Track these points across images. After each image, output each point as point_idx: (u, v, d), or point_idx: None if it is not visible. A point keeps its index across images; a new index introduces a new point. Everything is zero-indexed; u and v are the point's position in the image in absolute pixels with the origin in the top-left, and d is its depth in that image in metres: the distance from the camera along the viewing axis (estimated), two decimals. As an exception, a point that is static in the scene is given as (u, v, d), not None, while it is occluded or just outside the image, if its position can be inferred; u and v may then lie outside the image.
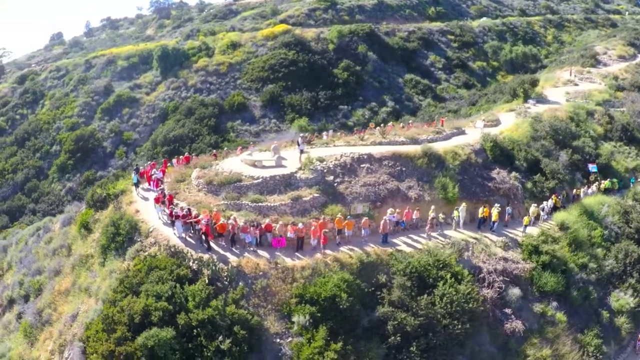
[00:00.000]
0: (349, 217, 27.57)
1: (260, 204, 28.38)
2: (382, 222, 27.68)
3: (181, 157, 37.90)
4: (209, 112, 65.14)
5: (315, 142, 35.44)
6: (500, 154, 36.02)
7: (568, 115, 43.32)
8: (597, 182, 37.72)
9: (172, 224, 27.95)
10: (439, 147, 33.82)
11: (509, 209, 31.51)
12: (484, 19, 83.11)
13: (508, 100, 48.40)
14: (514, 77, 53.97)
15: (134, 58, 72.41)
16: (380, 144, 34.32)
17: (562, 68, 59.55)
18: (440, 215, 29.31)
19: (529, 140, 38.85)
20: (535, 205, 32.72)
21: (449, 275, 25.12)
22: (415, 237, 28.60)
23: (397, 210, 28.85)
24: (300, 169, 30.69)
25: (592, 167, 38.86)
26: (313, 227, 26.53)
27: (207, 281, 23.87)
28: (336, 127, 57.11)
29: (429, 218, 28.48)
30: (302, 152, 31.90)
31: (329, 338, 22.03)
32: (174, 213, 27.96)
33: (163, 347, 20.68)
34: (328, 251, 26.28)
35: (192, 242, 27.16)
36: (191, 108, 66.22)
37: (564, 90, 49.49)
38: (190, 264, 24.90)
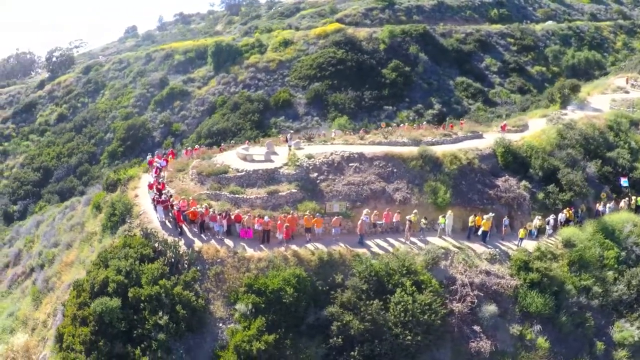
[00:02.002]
0: (317, 214, 27.01)
1: (237, 195, 28.70)
2: (359, 222, 26.85)
3: (189, 148, 39.07)
4: (253, 108, 66.47)
5: (315, 139, 35.05)
6: (512, 160, 33.44)
7: (607, 123, 39.16)
8: (627, 198, 33.76)
9: (155, 208, 29.25)
10: (440, 150, 32.02)
11: (506, 220, 29.06)
12: (549, 22, 77.39)
13: (546, 105, 44.74)
14: (557, 82, 49.80)
15: (190, 53, 75.79)
16: (379, 144, 33.21)
17: (617, 75, 53.91)
18: (423, 221, 27.72)
19: (553, 148, 35.62)
20: (540, 217, 29.98)
21: (408, 283, 23.76)
22: (392, 241, 27.38)
23: (376, 211, 27.75)
24: (285, 164, 30.52)
25: (623, 181, 34.87)
26: (279, 221, 26.35)
27: (165, 262, 24.91)
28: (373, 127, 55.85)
29: (407, 222, 27.06)
30: (290, 147, 31.77)
31: (264, 329, 21.98)
32: (155, 198, 29.29)
33: (109, 314, 22.24)
34: (293, 246, 26.04)
35: (170, 226, 28.31)
36: (237, 103, 67.94)
37: (611, 97, 44.81)
38: (156, 245, 25.95)
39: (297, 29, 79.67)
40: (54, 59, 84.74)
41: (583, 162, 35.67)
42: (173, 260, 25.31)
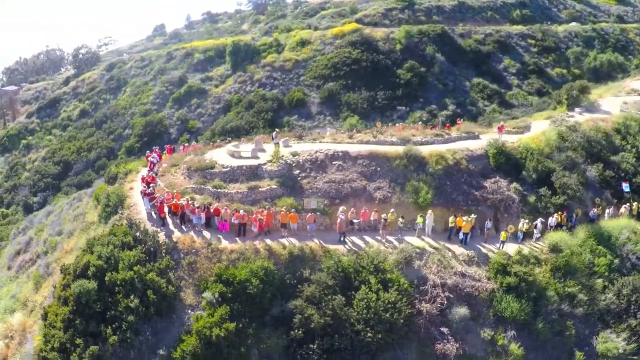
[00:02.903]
0: (293, 210, 27.15)
1: (219, 190, 29.30)
2: (338, 220, 26.84)
3: (185, 144, 39.94)
4: (267, 106, 67.00)
5: (306, 137, 35.19)
6: (505, 162, 32.61)
7: (614, 126, 37.61)
8: (628, 204, 32.39)
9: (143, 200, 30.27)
10: (427, 150, 31.57)
11: (488, 222, 28.38)
12: (573, 23, 74.65)
13: (554, 107, 43.35)
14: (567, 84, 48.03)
15: (210, 52, 77.02)
16: (367, 142, 33.03)
17: (635, 77, 51.52)
18: (400, 220, 27.43)
19: (552, 151, 34.54)
20: (527, 221, 29.15)
21: (374, 280, 23.59)
22: (368, 239, 27.24)
23: (353, 209, 27.66)
24: (269, 161, 30.83)
25: (625, 186, 33.45)
26: (254, 215, 26.69)
27: (143, 250, 26.05)
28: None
29: (382, 220, 26.85)
30: (277, 145, 32.08)
31: (227, 317, 22.53)
32: (142, 190, 30.33)
33: (86, 295, 23.78)
34: (267, 240, 26.33)
35: (155, 217, 29.21)
36: (252, 101, 68.64)
37: (623, 100, 42.97)
38: (137, 234, 27.02)
39: (317, 28, 79.89)
40: (80, 56, 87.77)
41: (584, 165, 34.46)
42: (152, 249, 26.42)
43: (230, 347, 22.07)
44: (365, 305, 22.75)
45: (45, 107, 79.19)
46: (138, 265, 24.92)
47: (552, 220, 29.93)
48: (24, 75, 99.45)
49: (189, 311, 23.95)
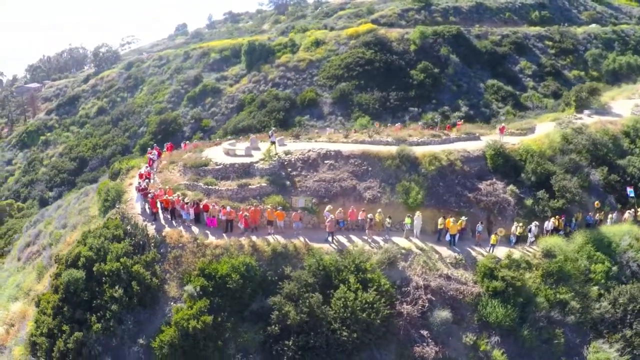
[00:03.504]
0: (279, 208, 27.16)
1: (210, 186, 29.56)
2: (328, 220, 26.64)
3: (187, 142, 40.50)
4: (279, 106, 67.23)
5: (302, 136, 35.20)
6: (503, 163, 31.91)
7: (623, 129, 36.39)
8: (632, 209, 31.27)
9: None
10: (421, 150, 31.15)
11: (480, 225, 27.78)
12: (593, 25, 72.41)
13: (562, 109, 42.22)
14: (576, 86, 46.67)
15: (226, 51, 77.79)
16: (362, 142, 32.80)
17: None
18: (387, 220, 27.13)
19: (555, 153, 33.66)
20: (520, 224, 28.44)
21: (353, 280, 23.38)
22: (355, 238, 27.03)
23: (340, 209, 27.48)
24: (262, 159, 30.94)
25: (629, 191, 32.32)
26: (240, 212, 26.81)
27: (132, 242, 26.63)
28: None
29: (368, 220, 26.61)
30: (273, 143, 32.14)
31: (205, 310, 22.75)
32: (136, 186, 30.88)
33: (74, 284, 24.64)
34: (254, 237, 26.48)
35: (148, 212, 29.68)
36: (265, 101, 68.97)
37: (635, 102, 41.50)
38: (128, 228, 27.64)
39: (332, 29, 79.83)
40: (100, 54, 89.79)
41: (587, 168, 33.49)
42: (141, 242, 26.98)
43: (206, 340, 22.29)
44: (342, 304, 22.58)
45: (64, 105, 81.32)
46: (125, 257, 25.45)
47: (549, 224, 29.18)
48: (46, 72, 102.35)
49: (172, 303, 24.30)
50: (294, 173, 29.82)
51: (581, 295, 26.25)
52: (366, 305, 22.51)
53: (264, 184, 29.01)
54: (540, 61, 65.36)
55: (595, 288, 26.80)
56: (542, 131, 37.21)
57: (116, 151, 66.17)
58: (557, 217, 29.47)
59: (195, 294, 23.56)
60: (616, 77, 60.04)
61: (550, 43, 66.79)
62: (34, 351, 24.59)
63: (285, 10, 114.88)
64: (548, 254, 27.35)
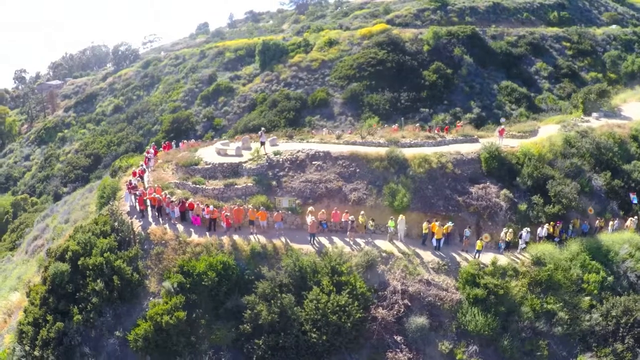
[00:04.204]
0: (262, 208, 27.06)
1: (197, 185, 29.70)
2: (309, 221, 26.42)
3: (185, 141, 40.93)
4: (290, 105, 67.22)
5: (296, 137, 35.03)
6: (498, 167, 31.03)
7: (631, 133, 34.93)
8: (636, 217, 29.97)
9: (129, 193, 31.27)
10: (412, 152, 30.54)
11: (467, 230, 26.99)
12: (613, 26, 69.82)
13: (570, 111, 40.81)
14: (585, 87, 45.00)
15: (241, 51, 78.18)
16: (354, 143, 32.38)
17: None
18: (370, 222, 26.69)
19: (556, 157, 32.58)
20: (510, 230, 27.59)
21: (326, 282, 23.09)
22: (337, 240, 26.70)
23: (323, 210, 27.19)
24: (251, 159, 30.89)
25: (633, 197, 31.03)
26: (223, 212, 26.82)
27: (117, 238, 27.17)
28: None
29: (350, 222, 26.23)
30: (262, 144, 32.11)
31: (180, 306, 23.02)
32: (125, 184, 31.31)
33: (59, 276, 25.47)
34: (236, 236, 26.46)
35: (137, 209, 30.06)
36: (276, 100, 69.03)
37: (648, 105, 39.91)
38: (115, 224, 28.12)
39: (347, 29, 79.38)
40: (119, 53, 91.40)
41: (590, 173, 32.31)
42: (127, 238, 27.43)
43: (179, 335, 22.53)
44: (314, 306, 22.34)
45: (82, 102, 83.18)
46: (109, 253, 26.01)
47: (542, 230, 28.20)
48: (68, 70, 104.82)
49: (151, 298, 24.63)
50: (281, 173, 29.65)
51: (571, 306, 25.25)
52: (337, 308, 22.19)
53: (249, 184, 28.95)
54: (556, 62, 63.54)
55: (587, 299, 25.74)
56: (545, 134, 36.08)
57: (129, 148, 67.25)
58: (551, 223, 28.48)
59: (173, 290, 23.78)
60: (635, 79, 57.86)
61: (568, 44, 64.84)
62: (21, 339, 25.48)
63: (306, 10, 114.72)
64: (538, 262, 26.42)
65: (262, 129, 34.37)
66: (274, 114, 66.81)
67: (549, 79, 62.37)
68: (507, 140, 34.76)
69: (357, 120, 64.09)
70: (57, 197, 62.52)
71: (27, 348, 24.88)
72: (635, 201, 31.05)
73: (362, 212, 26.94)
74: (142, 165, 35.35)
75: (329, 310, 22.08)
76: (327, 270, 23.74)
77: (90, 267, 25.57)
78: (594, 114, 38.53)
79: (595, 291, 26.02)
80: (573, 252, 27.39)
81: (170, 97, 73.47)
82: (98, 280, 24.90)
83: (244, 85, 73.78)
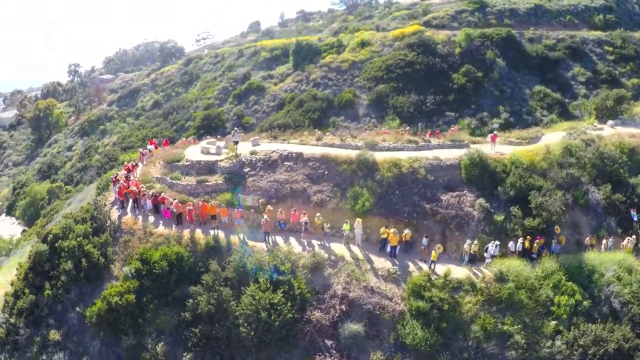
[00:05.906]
0: (222, 205, 27.73)
1: (173, 181, 30.90)
2: (262, 220, 26.63)
3: (184, 138, 42.53)
4: (316, 106, 67.50)
5: (278, 137, 35.53)
6: (479, 174, 29.48)
7: (644, 143, 32.18)
8: (634, 236, 27.47)
9: (115, 185, 33.16)
10: (384, 156, 29.85)
11: (424, 239, 26.03)
12: (663, 31, 64.26)
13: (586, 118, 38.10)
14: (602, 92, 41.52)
15: (277, 50, 79.37)
16: (332, 145, 32.18)
17: None
18: (326, 225, 26.50)
19: (551, 166, 30.54)
20: (475, 242, 26.31)
21: (263, 280, 23.46)
22: (292, 240, 26.79)
23: (281, 210, 27.31)
24: (226, 158, 31.62)
25: (634, 214, 28.55)
26: (188, 207, 27.79)
27: (92, 225, 29.52)
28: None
29: (303, 223, 26.20)
30: (236, 143, 32.86)
31: (132, 290, 24.88)
32: (111, 177, 33.18)
33: (38, 256, 29.20)
34: (198, 230, 27.37)
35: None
36: (303, 100, 69.51)
37: (672, 114, 36.30)
38: (95, 212, 30.38)
39: (384, 29, 78.41)
40: (165, 50, 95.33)
41: (589, 185, 30.07)
42: (103, 226, 29.44)
43: (127, 316, 24.36)
44: (249, 302, 22.72)
45: (125, 97, 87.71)
46: (82, 237, 28.43)
47: (516, 244, 26.56)
48: (120, 65, 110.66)
49: (113, 281, 26.47)
50: (252, 172, 30.09)
51: (531, 330, 23.34)
52: (269, 306, 22.33)
53: (220, 182, 29.71)
54: (596, 68, 59.44)
55: (553, 323, 23.58)
56: (547, 141, 33.91)
57: (162, 143, 70.23)
58: (528, 237, 26.77)
59: (130, 275, 25.43)
60: (682, 87, 53.02)
61: (611, 49, 60.46)
62: (5, 308, 29.16)
63: (355, 10, 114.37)
64: (501, 278, 24.91)
65: (235, 128, 35.13)
66: (299, 114, 67.26)
67: (586, 85, 58.45)
68: (502, 147, 33.13)
69: (380, 122, 63.24)
70: (91, 187, 66.59)
71: (6, 315, 28.30)
72: (635, 218, 28.54)
73: (317, 214, 26.79)
74: (133, 161, 37.10)
75: (260, 307, 22.27)
76: (268, 267, 23.89)
77: (65, 249, 28.15)
78: (610, 122, 35.75)
79: (565, 316, 23.80)
80: (547, 271, 25.43)
81: (205, 95, 75.92)
82: (69, 261, 27.47)
83: (275, 84, 74.85)
